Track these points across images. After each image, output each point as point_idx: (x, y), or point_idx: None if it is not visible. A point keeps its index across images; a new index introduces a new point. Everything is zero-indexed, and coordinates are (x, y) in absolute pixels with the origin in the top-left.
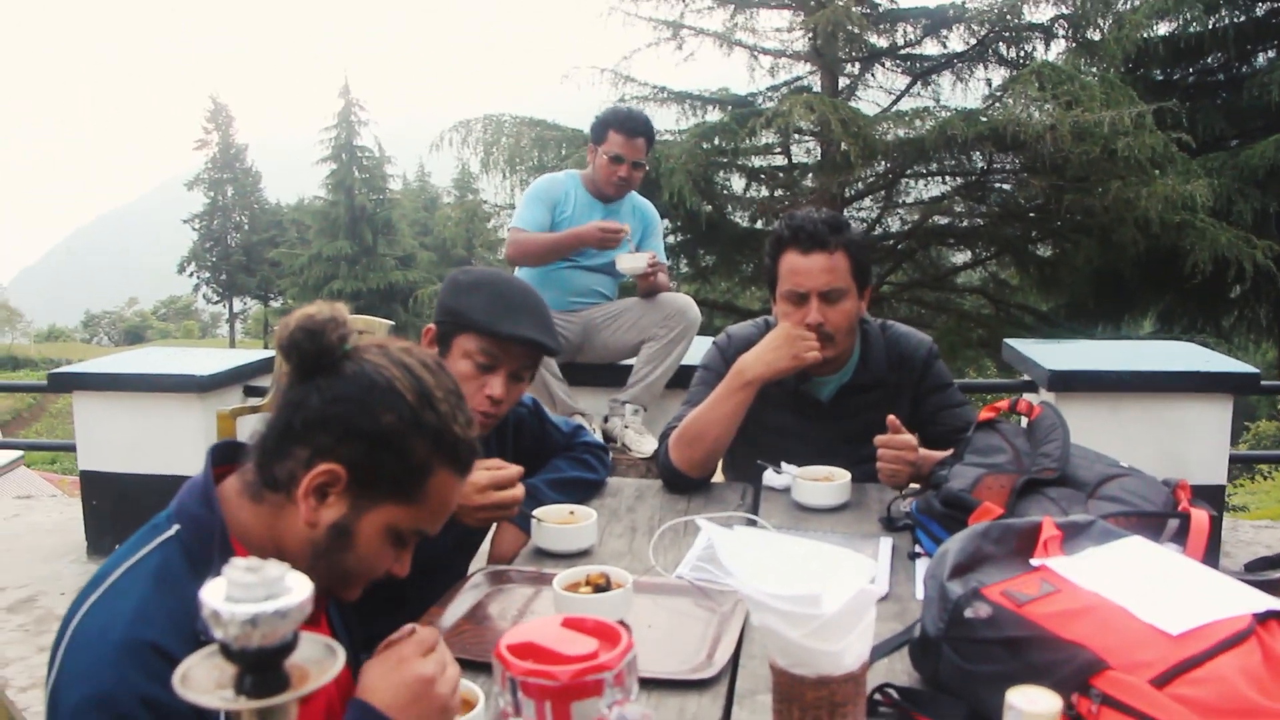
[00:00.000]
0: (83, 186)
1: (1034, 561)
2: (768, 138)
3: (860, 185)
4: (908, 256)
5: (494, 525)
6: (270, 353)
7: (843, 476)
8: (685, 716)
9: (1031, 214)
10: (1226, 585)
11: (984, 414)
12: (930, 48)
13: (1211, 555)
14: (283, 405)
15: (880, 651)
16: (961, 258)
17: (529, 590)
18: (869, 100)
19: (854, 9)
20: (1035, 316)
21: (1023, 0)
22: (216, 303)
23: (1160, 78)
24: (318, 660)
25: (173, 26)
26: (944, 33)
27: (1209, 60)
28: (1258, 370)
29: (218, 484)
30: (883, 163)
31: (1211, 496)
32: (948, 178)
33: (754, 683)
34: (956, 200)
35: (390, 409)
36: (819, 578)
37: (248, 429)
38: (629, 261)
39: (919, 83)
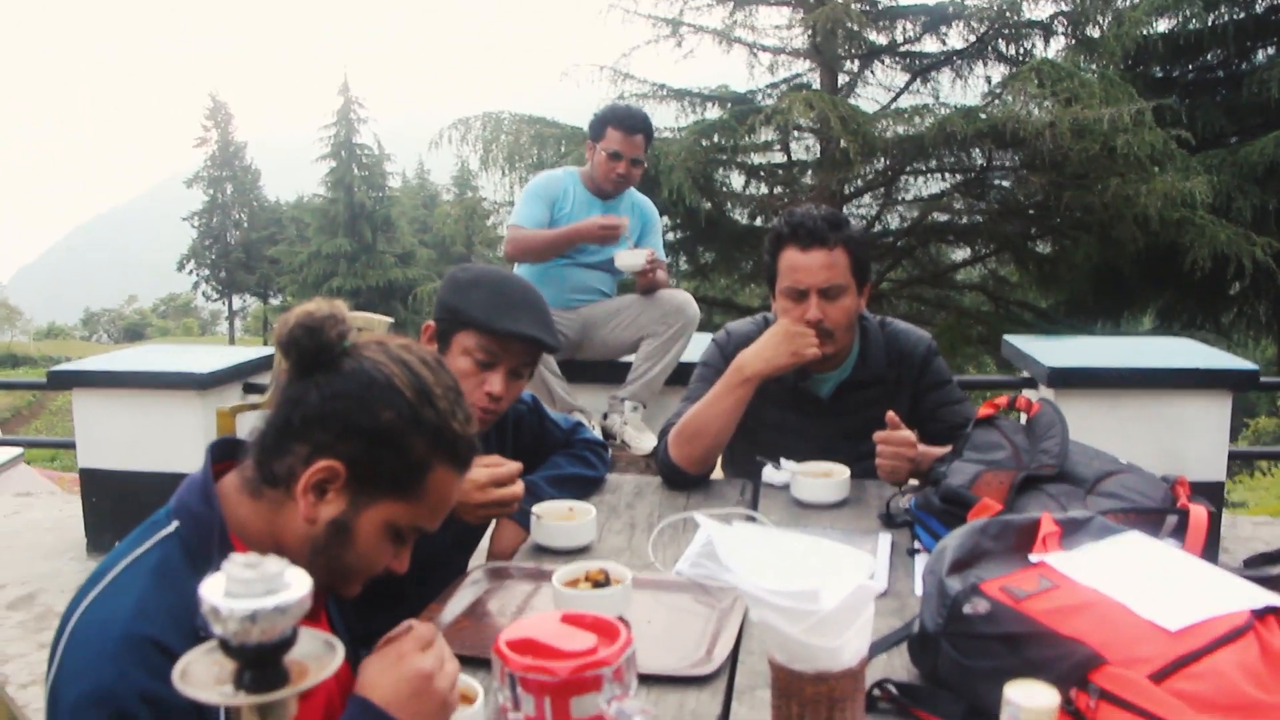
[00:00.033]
0: (82, 185)
1: (1033, 557)
2: (767, 135)
3: (860, 182)
4: (907, 253)
5: (493, 522)
6: (269, 350)
7: (842, 473)
8: (684, 712)
9: (1031, 211)
10: (1224, 581)
11: (983, 410)
12: (930, 45)
13: (1210, 551)
14: (282, 402)
15: (879, 647)
16: (961, 254)
17: (528, 586)
18: (868, 97)
19: (853, 6)
20: (1034, 313)
21: None
22: (216, 300)
23: (1160, 75)
24: (317, 656)
25: (172, 26)
26: (943, 30)
27: (1208, 57)
28: (1257, 366)
29: (217, 480)
30: (882, 160)
31: (1210, 493)
32: (947, 175)
33: (753, 678)
34: (956, 197)
35: (389, 406)
36: (818, 574)
37: (247, 426)
38: (628, 258)
39: (918, 80)
